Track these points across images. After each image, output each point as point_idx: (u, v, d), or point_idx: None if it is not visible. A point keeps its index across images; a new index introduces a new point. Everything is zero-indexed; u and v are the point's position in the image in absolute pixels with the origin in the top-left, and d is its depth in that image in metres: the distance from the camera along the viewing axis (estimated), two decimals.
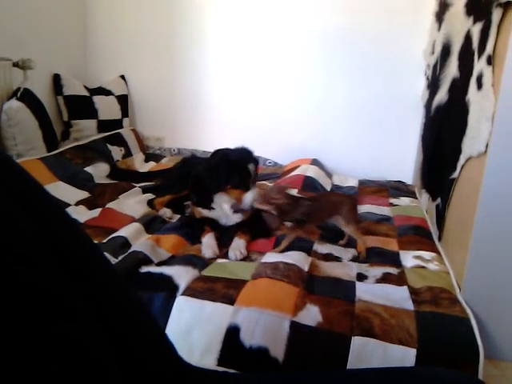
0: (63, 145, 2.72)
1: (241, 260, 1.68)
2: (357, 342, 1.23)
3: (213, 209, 1.95)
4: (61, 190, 2.15)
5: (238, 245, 1.75)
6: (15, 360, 0.46)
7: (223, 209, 1.93)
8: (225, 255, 1.73)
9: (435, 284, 1.53)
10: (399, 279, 1.57)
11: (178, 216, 2.13)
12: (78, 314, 0.56)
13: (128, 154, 3.04)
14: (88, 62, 3.35)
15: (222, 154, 1.91)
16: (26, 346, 0.47)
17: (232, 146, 1.98)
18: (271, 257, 1.67)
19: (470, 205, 1.54)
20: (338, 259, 1.75)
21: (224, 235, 1.89)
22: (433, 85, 2.38)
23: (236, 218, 1.95)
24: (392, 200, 2.50)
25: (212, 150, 3.15)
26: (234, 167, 1.83)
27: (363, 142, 3.05)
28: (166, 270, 1.50)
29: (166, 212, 2.11)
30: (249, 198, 1.81)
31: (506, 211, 1.43)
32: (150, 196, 2.28)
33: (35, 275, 0.51)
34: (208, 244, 1.76)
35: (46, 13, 2.85)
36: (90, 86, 3.16)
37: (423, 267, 1.67)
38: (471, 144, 1.61)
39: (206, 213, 1.98)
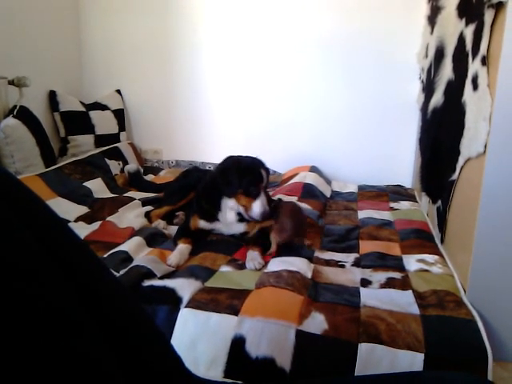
0: (61, 161, 2.73)
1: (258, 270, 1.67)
2: (364, 348, 1.22)
3: (216, 220, 1.94)
4: (60, 206, 2.14)
5: (254, 256, 1.75)
6: (21, 373, 0.45)
7: (227, 218, 1.91)
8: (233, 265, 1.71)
9: (440, 287, 1.52)
10: (403, 283, 1.56)
11: (172, 227, 2.12)
12: (84, 328, 0.55)
13: None
14: (83, 77, 3.36)
15: (235, 159, 1.91)
16: (33, 360, 0.46)
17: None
18: (274, 265, 1.66)
19: (471, 206, 1.54)
20: (340, 265, 1.74)
21: (227, 244, 1.89)
22: (428, 88, 2.39)
23: (238, 229, 1.95)
24: (392, 204, 2.50)
25: (210, 161, 3.25)
26: (247, 171, 1.83)
27: (361, 147, 3.06)
28: (169, 282, 1.49)
29: (159, 223, 2.11)
30: (258, 206, 1.80)
31: (507, 211, 1.43)
32: (148, 208, 2.28)
33: (42, 290, 0.51)
34: (179, 252, 1.75)
35: (39, 30, 2.87)
36: (86, 101, 3.18)
37: (427, 271, 1.66)
38: (469, 145, 1.61)
39: (203, 224, 1.96)
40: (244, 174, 1.81)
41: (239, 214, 1.89)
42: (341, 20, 2.91)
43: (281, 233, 1.83)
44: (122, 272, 1.55)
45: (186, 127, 3.32)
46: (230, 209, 1.89)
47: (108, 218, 2.12)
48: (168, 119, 3.35)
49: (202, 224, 1.96)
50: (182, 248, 1.78)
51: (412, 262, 1.73)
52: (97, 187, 2.52)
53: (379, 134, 3.01)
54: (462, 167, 1.73)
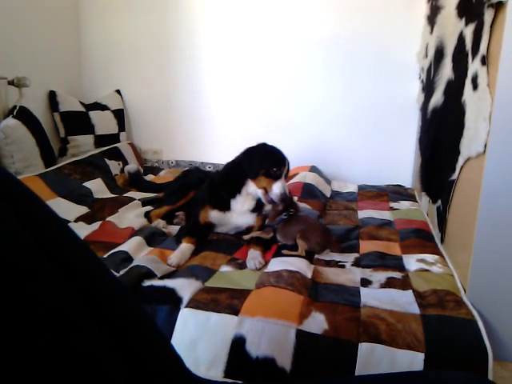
0: (61, 161, 2.72)
1: (258, 269, 1.67)
2: (364, 348, 1.22)
3: (228, 210, 1.95)
4: (60, 206, 2.14)
5: (255, 255, 1.75)
6: (21, 373, 0.45)
7: (243, 205, 1.94)
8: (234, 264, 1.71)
9: (440, 287, 1.52)
10: (403, 283, 1.56)
11: (172, 226, 2.12)
12: (84, 328, 0.55)
13: None
14: (83, 77, 3.36)
15: (258, 144, 1.96)
16: (33, 360, 0.46)
17: (233, 155, 2.02)
18: (274, 265, 1.66)
19: (471, 206, 1.54)
20: (340, 265, 1.74)
21: (227, 243, 1.90)
22: (428, 88, 2.39)
23: (247, 220, 1.97)
24: (392, 204, 2.50)
25: (210, 161, 3.25)
26: (271, 153, 1.91)
27: (361, 147, 3.06)
28: (169, 282, 1.49)
29: (159, 223, 2.10)
30: (278, 187, 1.82)
31: (507, 210, 1.43)
32: (148, 209, 2.28)
33: (42, 290, 0.51)
34: (181, 252, 1.75)
35: (39, 30, 2.87)
36: (86, 101, 3.17)
37: (427, 270, 1.66)
38: (469, 145, 1.61)
39: (214, 216, 1.97)
40: (267, 156, 1.89)
41: (257, 200, 1.92)
42: (341, 20, 2.91)
43: (308, 240, 1.82)
44: (121, 272, 1.55)
45: (186, 127, 3.32)
46: (248, 194, 1.92)
47: (108, 218, 2.12)
48: (168, 119, 3.35)
49: (214, 215, 1.97)
50: (185, 248, 1.78)
51: (412, 262, 1.73)
52: (97, 187, 2.51)
53: (379, 133, 3.01)
54: (461, 167, 1.73)
